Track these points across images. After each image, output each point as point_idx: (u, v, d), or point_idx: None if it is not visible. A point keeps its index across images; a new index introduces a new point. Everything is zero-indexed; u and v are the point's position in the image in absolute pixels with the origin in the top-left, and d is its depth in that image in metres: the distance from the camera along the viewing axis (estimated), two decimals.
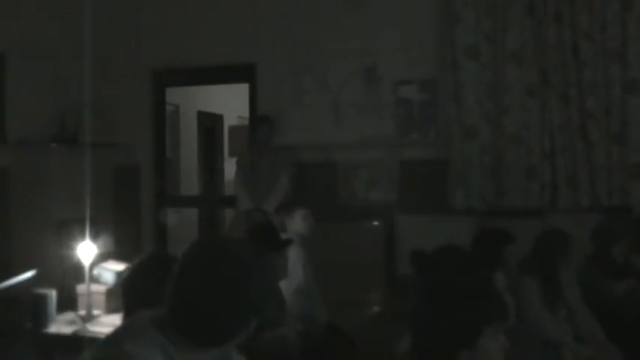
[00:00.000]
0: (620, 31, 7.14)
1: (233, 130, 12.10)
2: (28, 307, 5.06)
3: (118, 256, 5.98)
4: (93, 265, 5.36)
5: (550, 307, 4.87)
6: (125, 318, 2.99)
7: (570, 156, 7.29)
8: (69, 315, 5.21)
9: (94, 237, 5.53)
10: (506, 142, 7.43)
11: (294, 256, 5.36)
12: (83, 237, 5.44)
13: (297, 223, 5.81)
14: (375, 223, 7.65)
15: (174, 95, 9.85)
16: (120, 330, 2.51)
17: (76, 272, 5.41)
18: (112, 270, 5.50)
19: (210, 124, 11.98)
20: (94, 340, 4.62)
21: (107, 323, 4.95)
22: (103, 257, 5.66)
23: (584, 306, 5.08)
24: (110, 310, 5.24)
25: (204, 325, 2.21)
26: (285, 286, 4.94)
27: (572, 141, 7.27)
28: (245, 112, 9.12)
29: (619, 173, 7.18)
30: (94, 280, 5.38)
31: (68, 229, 6.42)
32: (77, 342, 4.85)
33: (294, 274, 5.27)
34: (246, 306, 2.19)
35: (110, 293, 5.32)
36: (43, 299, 5.03)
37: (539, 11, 7.34)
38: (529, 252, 5.03)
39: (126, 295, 3.07)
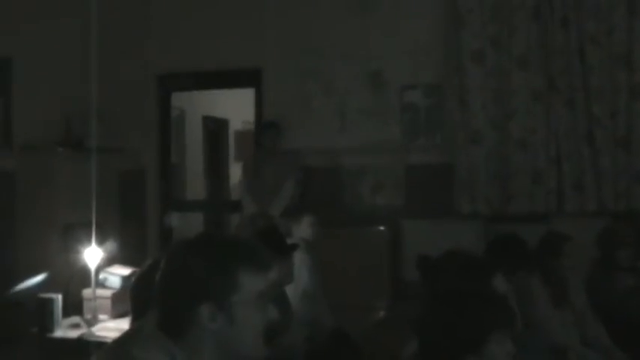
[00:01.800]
0: (627, 36, 7.14)
1: (239, 134, 12.11)
2: (33, 312, 5.07)
3: (123, 261, 5.99)
4: (99, 270, 5.37)
5: (557, 311, 4.87)
6: (133, 322, 3.00)
7: (576, 161, 7.29)
8: (75, 319, 5.22)
9: (100, 241, 5.54)
10: (512, 147, 7.43)
11: (300, 261, 5.36)
12: (89, 241, 5.45)
13: (303, 229, 5.83)
14: (381, 227, 7.65)
15: (180, 100, 9.86)
16: (127, 334, 2.51)
17: (82, 276, 5.42)
18: (117, 274, 5.51)
19: (215, 128, 11.98)
20: (99, 345, 4.65)
21: (113, 328, 4.96)
22: (108, 262, 5.67)
23: (591, 310, 5.08)
24: (116, 315, 5.25)
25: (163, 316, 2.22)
26: (292, 291, 4.94)
27: (578, 146, 7.27)
28: (251, 117, 9.12)
29: (625, 178, 7.18)
30: (100, 284, 5.39)
31: (74, 233, 6.42)
32: (83, 346, 4.86)
33: (300, 279, 5.26)
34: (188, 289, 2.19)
35: (116, 297, 5.33)
36: (48, 303, 5.04)
37: (545, 16, 7.34)
38: (532, 256, 5.04)
39: (134, 299, 3.07)
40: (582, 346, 4.92)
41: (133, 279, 3.22)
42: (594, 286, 5.27)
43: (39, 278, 5.24)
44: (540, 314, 4.79)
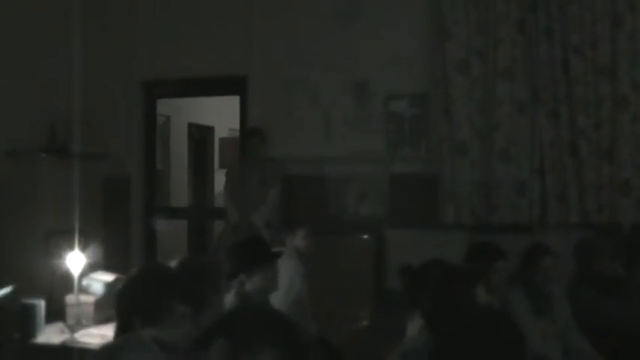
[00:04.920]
0: (611, 47, 7.17)
1: (224, 142, 12.10)
2: (16, 318, 5.05)
3: (107, 267, 5.98)
4: (82, 276, 5.36)
5: (539, 322, 4.89)
6: (118, 328, 3.00)
7: (560, 172, 7.30)
8: (57, 325, 5.21)
9: (83, 247, 5.53)
10: (496, 158, 7.44)
11: (292, 268, 5.42)
12: (72, 247, 5.44)
13: (298, 241, 5.89)
14: (365, 237, 7.65)
15: (165, 107, 9.86)
16: (122, 341, 2.52)
17: (65, 283, 5.40)
18: (101, 281, 5.50)
19: (200, 135, 11.99)
20: (83, 351, 4.64)
21: (96, 334, 4.95)
22: (92, 268, 5.65)
23: (573, 321, 5.09)
24: (99, 321, 5.24)
25: None
26: (280, 299, 4.94)
27: (562, 157, 7.28)
28: (236, 125, 9.11)
29: (608, 190, 7.20)
30: (83, 290, 5.38)
31: (57, 239, 6.41)
32: (66, 352, 4.85)
33: (291, 288, 5.32)
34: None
35: (99, 304, 5.32)
36: (31, 309, 5.03)
37: (529, 28, 7.37)
38: (517, 267, 5.07)
39: (120, 305, 3.08)
40: (564, 356, 4.94)
41: (119, 286, 3.23)
42: (576, 298, 5.29)
43: (5, 290, 5.20)
44: (523, 324, 4.80)
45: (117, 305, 3.09)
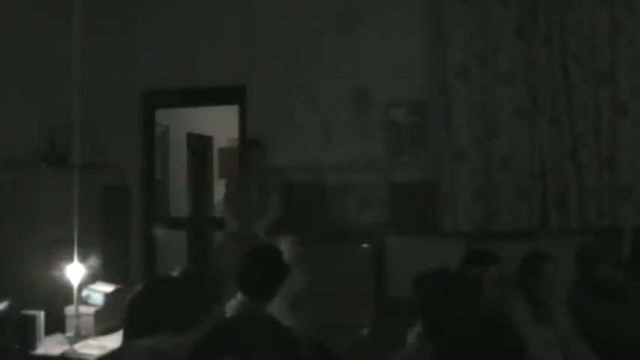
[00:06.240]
0: (610, 54, 7.17)
1: (223, 151, 12.09)
2: (16, 329, 5.04)
3: (106, 278, 5.97)
4: (82, 287, 5.34)
5: (539, 329, 4.87)
6: (126, 339, 2.99)
7: (560, 178, 7.30)
8: (57, 337, 5.19)
9: (83, 258, 5.52)
10: (496, 164, 7.43)
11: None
12: (72, 258, 5.42)
13: (284, 250, 5.85)
14: (365, 245, 7.64)
15: (164, 116, 9.84)
16: (117, 351, 2.51)
17: (65, 293, 5.39)
18: (100, 291, 5.49)
19: (199, 145, 11.97)
20: None
21: (96, 345, 4.94)
22: (91, 278, 5.64)
23: (574, 328, 5.08)
24: (99, 332, 5.24)
25: None
26: (276, 306, 4.92)
27: (562, 163, 7.28)
28: (235, 134, 9.10)
29: (608, 195, 7.19)
30: (83, 301, 5.37)
31: (57, 250, 6.39)
32: None
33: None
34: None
35: (99, 315, 5.31)
36: (31, 320, 5.02)
37: (529, 34, 7.37)
38: (517, 274, 5.06)
39: (135, 315, 3.06)
40: None
41: (129, 298, 3.19)
42: (575, 304, 5.28)
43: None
44: (521, 331, 4.79)
45: (127, 316, 3.06)
